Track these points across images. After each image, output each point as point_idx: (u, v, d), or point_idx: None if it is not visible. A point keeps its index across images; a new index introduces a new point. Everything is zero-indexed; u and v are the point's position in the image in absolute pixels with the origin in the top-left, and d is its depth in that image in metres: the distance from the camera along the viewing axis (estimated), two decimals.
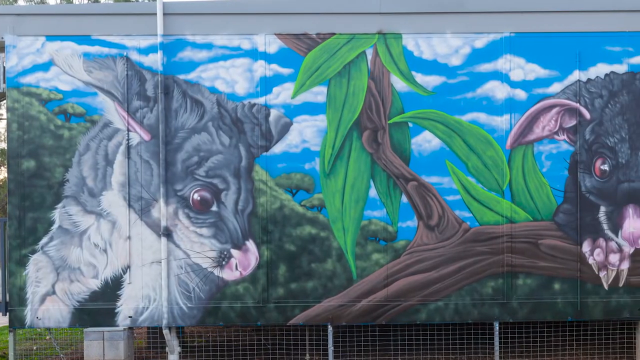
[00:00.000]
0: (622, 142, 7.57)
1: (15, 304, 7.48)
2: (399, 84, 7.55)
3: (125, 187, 7.48)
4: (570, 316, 7.59)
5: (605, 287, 7.59)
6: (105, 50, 7.51)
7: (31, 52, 7.47)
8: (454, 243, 7.56)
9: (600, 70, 7.58)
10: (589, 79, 7.57)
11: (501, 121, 7.56)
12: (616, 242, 7.57)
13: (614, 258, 7.58)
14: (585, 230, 7.57)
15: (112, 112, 7.49)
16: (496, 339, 7.58)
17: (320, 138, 7.55)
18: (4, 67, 7.49)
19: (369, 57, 7.54)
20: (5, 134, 7.48)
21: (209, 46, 7.54)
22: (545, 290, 7.58)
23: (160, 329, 7.55)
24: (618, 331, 7.78)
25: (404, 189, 7.56)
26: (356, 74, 7.54)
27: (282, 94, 7.54)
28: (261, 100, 7.53)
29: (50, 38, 7.49)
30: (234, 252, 7.52)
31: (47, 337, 7.92)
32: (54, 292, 7.48)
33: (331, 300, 7.56)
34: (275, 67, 7.54)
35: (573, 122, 7.57)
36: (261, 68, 7.53)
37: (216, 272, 7.52)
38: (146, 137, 7.50)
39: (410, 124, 7.57)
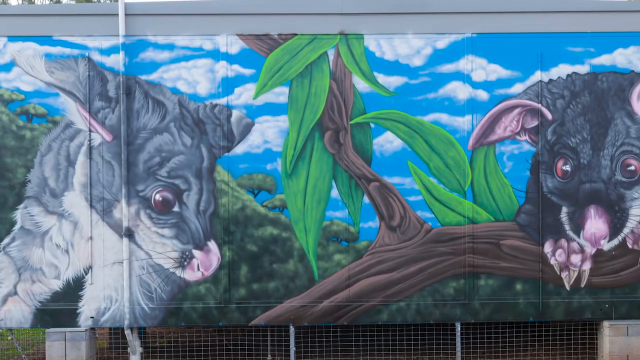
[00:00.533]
0: (584, 142, 7.57)
1: None
2: (360, 84, 7.55)
3: (87, 188, 7.48)
4: (532, 317, 7.59)
5: (567, 287, 7.60)
6: (67, 50, 7.50)
7: None
8: (415, 244, 7.56)
9: (562, 70, 7.59)
10: (550, 80, 7.57)
11: (463, 122, 7.57)
12: (578, 243, 7.58)
13: (575, 259, 7.58)
14: (547, 231, 7.57)
15: (74, 112, 7.49)
16: (458, 339, 7.58)
17: (282, 139, 7.55)
18: None
19: (331, 57, 7.54)
20: None
21: (170, 47, 7.54)
22: (507, 290, 7.58)
23: (122, 329, 7.55)
24: (580, 332, 7.79)
25: (365, 189, 7.56)
26: (318, 74, 7.54)
27: (244, 95, 7.54)
28: (223, 100, 7.53)
29: (12, 39, 7.49)
30: (195, 252, 7.52)
31: (9, 338, 7.92)
32: (15, 293, 7.48)
33: (293, 301, 7.56)
34: (237, 68, 7.54)
35: (535, 123, 7.57)
36: (223, 69, 7.53)
37: (178, 272, 7.52)
38: (108, 137, 7.50)
39: (372, 125, 7.57)
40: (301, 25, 7.55)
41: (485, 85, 7.57)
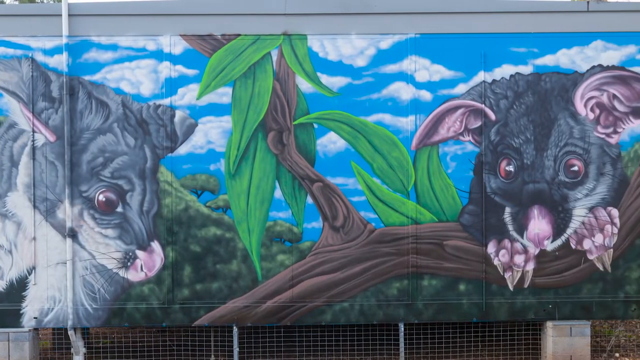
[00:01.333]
0: (528, 143, 7.57)
1: None
2: (304, 85, 7.55)
3: (30, 188, 7.48)
4: (476, 317, 7.60)
5: (511, 288, 7.60)
6: (10, 51, 7.50)
7: None
8: (359, 244, 7.56)
9: (505, 71, 7.59)
10: (494, 80, 7.58)
11: (406, 122, 7.57)
12: (521, 243, 7.58)
13: (519, 259, 7.58)
14: (490, 232, 7.58)
15: (18, 113, 7.49)
16: (401, 340, 7.58)
17: (225, 139, 7.55)
18: None
19: (274, 58, 7.54)
20: None
21: (114, 47, 7.54)
22: (450, 291, 7.58)
23: (66, 330, 7.55)
24: (523, 332, 7.79)
25: (309, 190, 7.56)
26: (261, 75, 7.54)
27: (188, 95, 7.54)
28: (166, 101, 7.53)
29: None
30: (139, 253, 7.52)
31: None
32: None
33: (236, 301, 7.56)
34: (180, 68, 7.54)
35: (478, 123, 7.57)
36: (166, 69, 7.53)
37: (121, 273, 7.52)
38: (51, 138, 7.49)
39: (315, 125, 7.57)
40: (244, 25, 7.54)
41: (429, 86, 7.57)
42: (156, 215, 7.53)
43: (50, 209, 7.50)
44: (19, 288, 7.50)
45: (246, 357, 7.79)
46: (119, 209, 7.51)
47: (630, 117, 7.59)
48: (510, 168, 7.57)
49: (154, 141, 7.52)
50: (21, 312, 7.49)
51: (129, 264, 7.51)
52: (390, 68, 7.58)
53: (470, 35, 7.57)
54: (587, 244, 7.59)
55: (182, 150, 7.54)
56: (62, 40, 7.46)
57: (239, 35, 7.53)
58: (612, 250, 7.60)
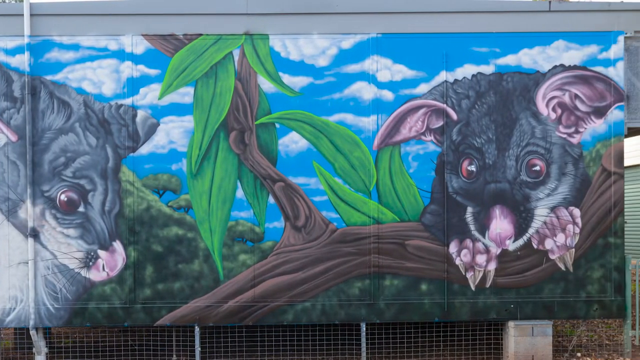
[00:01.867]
0: (489, 142, 7.57)
1: None
2: (266, 84, 7.55)
3: None
4: (438, 317, 7.59)
5: (472, 287, 7.60)
6: None
7: None
8: (321, 244, 7.56)
9: (467, 71, 7.59)
10: (456, 80, 7.58)
11: (368, 122, 7.57)
12: (483, 243, 7.58)
13: (480, 259, 7.58)
14: (452, 231, 7.58)
15: None
16: (363, 339, 7.58)
17: (187, 139, 7.55)
18: None
19: (236, 58, 7.54)
20: None
21: (75, 47, 7.54)
22: (412, 291, 7.58)
23: (28, 329, 7.54)
24: (485, 332, 7.79)
25: (271, 190, 7.56)
26: (223, 74, 7.54)
27: (149, 95, 7.54)
28: (128, 101, 7.53)
29: None
30: (101, 253, 7.52)
31: None
32: None
33: (198, 301, 7.56)
34: (142, 68, 7.54)
35: (440, 123, 7.57)
36: (128, 69, 7.53)
37: (83, 272, 7.52)
38: (13, 138, 7.49)
39: (277, 125, 7.57)
40: (206, 25, 7.55)
41: (391, 86, 7.57)
42: (118, 215, 7.53)
43: (12, 208, 7.50)
44: None
45: (208, 357, 7.79)
46: (81, 209, 7.51)
47: (592, 117, 7.59)
48: (472, 168, 7.57)
49: (116, 141, 7.51)
50: None
51: (90, 263, 7.51)
52: (352, 68, 7.58)
53: (432, 35, 7.57)
54: (549, 244, 7.59)
55: (144, 150, 7.54)
56: (23, 40, 7.47)
57: (201, 35, 7.53)
58: (573, 250, 7.60)
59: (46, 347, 7.61)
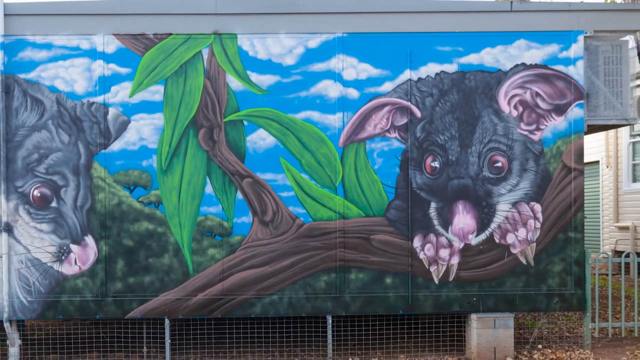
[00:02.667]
0: (452, 139, 7.76)
1: None
2: (234, 83, 7.73)
3: None
4: (402, 310, 7.78)
5: (436, 281, 7.78)
6: None
7: None
8: (288, 238, 7.75)
9: (430, 69, 7.77)
10: (419, 78, 7.76)
11: (334, 119, 7.75)
12: (446, 238, 7.77)
13: (444, 253, 7.77)
14: (416, 226, 7.76)
15: None
16: (329, 332, 7.76)
17: (157, 136, 7.74)
18: None
19: (205, 56, 7.73)
20: None
21: (48, 46, 7.72)
22: (377, 284, 7.77)
23: (1, 322, 7.72)
24: (448, 325, 7.97)
25: (239, 185, 7.75)
26: (192, 73, 7.73)
27: (120, 93, 7.73)
28: (100, 99, 7.71)
29: None
30: (73, 247, 7.71)
31: None
32: None
33: (168, 294, 7.74)
34: (113, 67, 7.72)
35: (404, 121, 7.76)
36: (100, 67, 7.71)
37: (56, 266, 7.70)
38: None
39: (245, 122, 7.75)
40: (176, 25, 7.73)
41: (356, 84, 7.75)
42: (90, 210, 7.71)
43: None
44: None
45: (178, 349, 7.98)
46: (54, 204, 7.69)
47: (553, 114, 7.78)
48: (436, 164, 7.76)
49: (88, 138, 7.70)
50: None
51: (63, 257, 7.70)
52: (319, 67, 7.76)
53: (396, 34, 7.76)
54: (510, 238, 7.78)
55: (115, 146, 7.72)
56: None
57: (171, 34, 7.72)
58: (535, 244, 7.79)
59: (20, 339, 7.79)
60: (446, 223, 7.77)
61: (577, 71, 7.77)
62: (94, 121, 7.71)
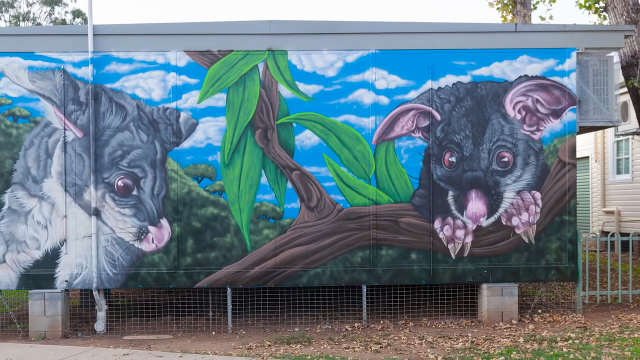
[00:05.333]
0: (467, 138, 9.31)
1: None
2: (284, 91, 9.28)
3: (62, 176, 9.20)
4: (425, 280, 9.33)
5: (453, 256, 9.33)
6: (46, 64, 9.22)
7: None
8: (329, 221, 9.30)
9: (448, 80, 9.32)
10: (439, 88, 9.31)
11: (368, 122, 9.30)
12: (462, 220, 9.32)
13: (459, 233, 9.32)
14: (436, 211, 9.31)
15: (52, 114, 9.21)
16: (364, 299, 9.31)
17: (221, 136, 9.28)
18: None
19: (261, 69, 9.28)
20: None
21: (130, 61, 9.27)
22: (404, 259, 9.32)
23: (91, 290, 9.27)
24: (463, 293, 9.53)
25: (289, 177, 9.29)
26: (250, 83, 9.28)
27: (190, 100, 9.28)
28: (173, 105, 9.26)
29: (1, 54, 9.20)
30: (150, 228, 9.25)
31: None
32: (4, 261, 9.19)
33: (229, 268, 9.29)
34: (184, 78, 9.27)
35: (426, 123, 9.31)
36: (173, 79, 9.26)
37: (136, 244, 9.24)
38: (79, 134, 9.22)
39: (294, 124, 9.30)
40: (236, 43, 9.28)
41: (386, 92, 9.30)
42: (165, 197, 9.26)
43: (78, 192, 9.23)
44: (53, 257, 9.22)
45: (238, 314, 9.53)
46: (135, 193, 9.24)
47: (550, 118, 9.33)
48: (453, 159, 9.31)
49: (163, 137, 9.25)
50: (55, 276, 9.21)
51: (142, 237, 9.24)
52: (355, 78, 9.32)
53: (420, 51, 9.31)
54: (515, 221, 9.33)
55: (186, 144, 9.27)
56: (88, 55, 9.19)
57: (232, 51, 9.26)
58: (535, 226, 9.34)
59: (106, 304, 9.35)
60: (461, 208, 9.31)
61: (570, 81, 9.32)
62: (168, 123, 9.25)
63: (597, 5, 11.27)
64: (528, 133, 9.32)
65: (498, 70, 9.34)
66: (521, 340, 7.92)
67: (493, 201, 9.32)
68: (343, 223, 9.30)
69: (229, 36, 9.29)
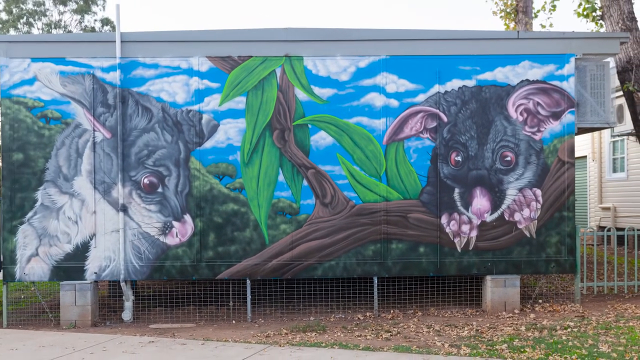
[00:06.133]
0: (472, 139, 9.90)
1: (7, 263, 9.79)
2: (300, 94, 9.88)
3: (91, 174, 9.79)
4: (432, 272, 9.92)
5: (459, 250, 9.93)
6: (77, 69, 9.82)
7: (19, 70, 9.78)
8: (343, 216, 9.89)
9: (455, 84, 9.92)
10: (446, 91, 9.90)
11: (379, 123, 9.89)
12: (467, 216, 9.91)
13: (465, 228, 9.91)
14: (443, 207, 9.91)
15: (82, 116, 9.80)
16: (375, 290, 9.91)
17: (240, 136, 9.88)
18: None
19: (278, 74, 9.87)
20: (0, 133, 9.83)
21: (155, 66, 9.86)
22: (413, 252, 9.91)
23: (119, 282, 9.87)
24: (468, 284, 10.13)
25: (305, 175, 9.89)
26: (268, 87, 9.87)
27: (212, 103, 9.87)
28: (195, 107, 9.86)
29: (35, 59, 9.80)
30: (174, 223, 9.84)
31: (32, 289, 10.21)
32: (37, 254, 9.79)
33: (249, 260, 9.88)
34: (206, 82, 9.86)
35: (434, 124, 9.90)
36: (195, 83, 9.85)
37: (161, 238, 9.83)
38: (108, 135, 9.81)
39: (309, 126, 9.90)
40: (255, 49, 9.87)
41: (396, 95, 9.90)
42: (188, 194, 9.85)
43: (107, 189, 9.82)
44: (83, 250, 9.81)
45: (257, 304, 10.12)
46: (160, 190, 9.83)
47: (550, 119, 9.92)
48: (459, 158, 9.90)
49: (186, 138, 9.84)
50: (84, 268, 9.81)
51: (167, 231, 9.83)
52: (367, 82, 9.91)
53: (427, 56, 9.91)
54: (517, 216, 9.92)
55: (208, 144, 9.86)
56: (115, 61, 9.78)
57: (251, 56, 9.86)
58: (536, 221, 9.93)
59: (133, 295, 9.94)
60: (467, 204, 9.91)
61: (569, 85, 9.92)
62: (191, 125, 9.85)
63: (594, 13, 11.87)
64: (529, 134, 9.91)
65: (501, 74, 9.93)
66: (523, 328, 8.51)
67: (496, 198, 9.91)
68: (355, 218, 9.89)
69: (248, 43, 9.89)
